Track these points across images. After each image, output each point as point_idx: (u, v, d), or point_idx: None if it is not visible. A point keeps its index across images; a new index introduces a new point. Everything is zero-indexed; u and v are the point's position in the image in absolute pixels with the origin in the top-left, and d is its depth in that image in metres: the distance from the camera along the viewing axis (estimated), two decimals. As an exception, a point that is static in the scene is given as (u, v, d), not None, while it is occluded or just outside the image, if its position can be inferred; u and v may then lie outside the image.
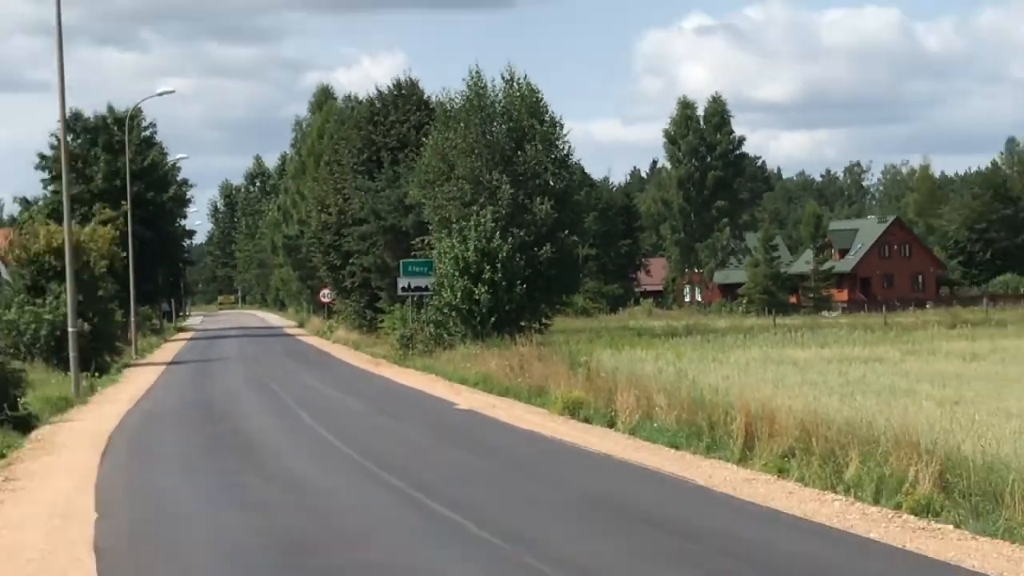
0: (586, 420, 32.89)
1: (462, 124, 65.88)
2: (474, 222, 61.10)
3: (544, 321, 65.22)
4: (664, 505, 20.86)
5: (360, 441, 30.44)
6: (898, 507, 19.55)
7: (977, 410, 27.16)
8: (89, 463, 28.04)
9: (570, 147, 68.67)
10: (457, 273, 60.32)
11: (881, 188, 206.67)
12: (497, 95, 66.66)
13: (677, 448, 27.02)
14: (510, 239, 60.79)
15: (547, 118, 66.89)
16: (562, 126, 67.87)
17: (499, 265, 59.81)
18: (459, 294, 60.06)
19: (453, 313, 60.62)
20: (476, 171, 64.07)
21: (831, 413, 25.70)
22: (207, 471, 26.44)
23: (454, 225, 62.51)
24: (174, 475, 26.11)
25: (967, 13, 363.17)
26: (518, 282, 60.44)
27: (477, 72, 66.85)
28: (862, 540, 17.62)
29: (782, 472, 23.17)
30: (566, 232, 64.92)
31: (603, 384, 35.61)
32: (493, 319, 59.10)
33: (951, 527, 18.22)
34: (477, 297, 59.51)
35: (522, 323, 60.19)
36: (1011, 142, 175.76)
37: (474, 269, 59.93)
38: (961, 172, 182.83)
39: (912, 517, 18.94)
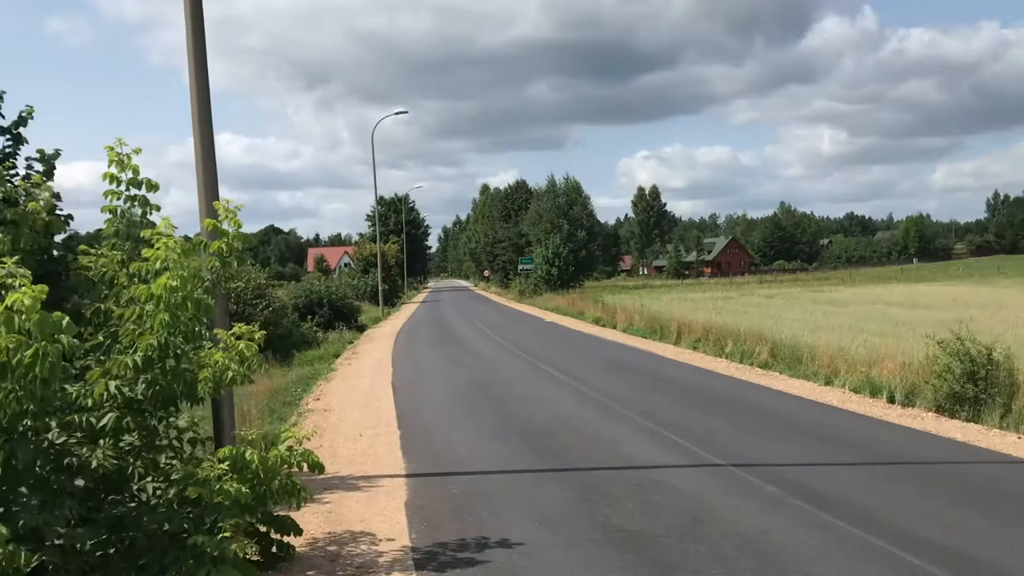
0: (603, 326, 31.60)
1: (544, 198, 65.41)
2: (551, 241, 60.51)
3: (581, 284, 64.08)
4: (643, 363, 19.65)
5: (502, 333, 29.53)
6: (752, 364, 18.37)
7: (779, 318, 26.12)
8: (388, 346, 27.39)
9: (592, 207, 67.39)
10: (544, 263, 59.89)
11: (725, 225, 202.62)
12: (560, 185, 65.73)
13: (646, 338, 25.79)
14: (566, 248, 60.00)
15: (583, 195, 65.79)
16: (589, 198, 66.75)
17: (562, 260, 59.32)
18: (544, 272, 59.67)
19: (542, 281, 59.96)
20: (551, 219, 63.11)
21: (714, 321, 24.71)
22: (439, 348, 25.52)
23: (542, 242, 61.71)
24: (425, 350, 25.30)
25: (760, 148, 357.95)
26: (570, 267, 59.81)
27: (552, 176, 66.95)
28: (736, 379, 16.46)
29: (695, 349, 21.92)
30: (590, 245, 63.87)
31: (609, 309, 34.68)
32: (559, 282, 58.37)
33: (777, 374, 17.05)
34: (553, 273, 59.05)
35: (571, 284, 59.19)
36: (782, 204, 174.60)
37: (551, 261, 59.50)
38: (759, 217, 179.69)
39: (759, 369, 17.81)
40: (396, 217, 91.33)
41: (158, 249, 5.08)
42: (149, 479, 4.91)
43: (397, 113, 52.25)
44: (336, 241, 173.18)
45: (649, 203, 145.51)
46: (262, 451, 5.19)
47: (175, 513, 4.72)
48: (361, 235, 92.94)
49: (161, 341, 4.87)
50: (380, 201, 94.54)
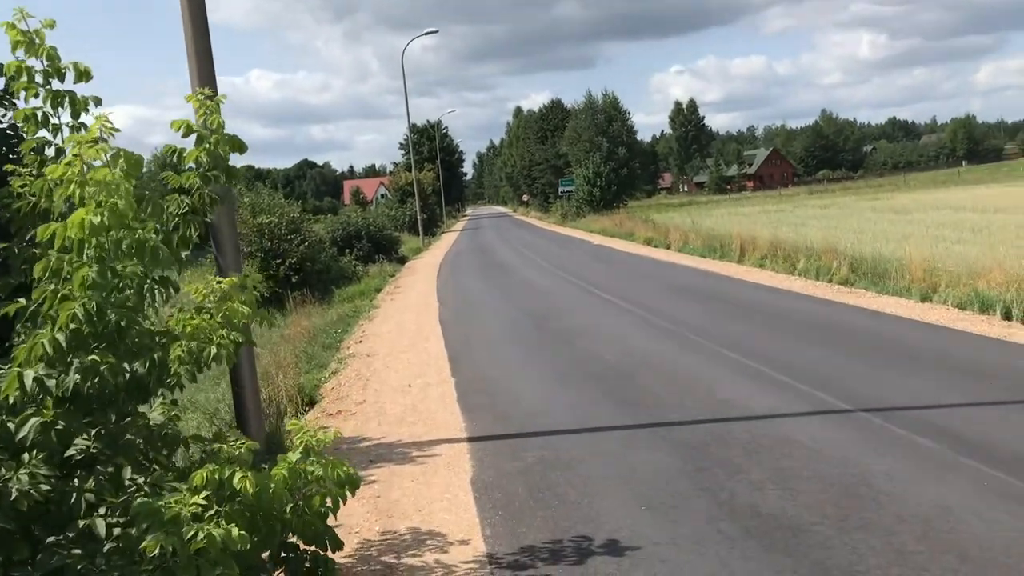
0: (655, 246, 29.49)
1: (583, 115, 61.90)
2: (591, 160, 57.57)
3: (624, 203, 61.25)
4: (710, 285, 17.68)
5: (552, 260, 27.62)
6: (830, 281, 16.47)
7: (845, 232, 23.95)
8: (431, 277, 25.75)
9: (632, 122, 63.55)
10: (585, 184, 57.29)
11: (764, 136, 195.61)
12: (598, 101, 62.23)
13: (704, 257, 23.69)
14: (607, 167, 57.09)
15: (621, 111, 62.06)
16: (629, 113, 63.00)
17: (603, 179, 56.62)
18: (586, 193, 57.11)
19: (584, 202, 57.26)
20: (590, 136, 59.88)
21: (777, 235, 22.64)
22: (486, 278, 23.74)
23: (582, 162, 58.91)
24: (470, 281, 23.56)
25: (796, 56, 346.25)
26: (612, 186, 56.98)
27: (589, 92, 63.54)
28: (819, 299, 14.57)
29: (762, 267, 19.92)
30: (632, 163, 60.52)
31: (660, 229, 32.47)
32: (602, 203, 55.65)
33: (862, 290, 15.18)
34: (595, 194, 56.40)
35: (615, 204, 56.32)
36: (823, 112, 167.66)
37: (593, 181, 56.78)
38: (799, 127, 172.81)
39: (840, 286, 15.92)
40: (430, 144, 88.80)
41: (71, 163, 3.27)
42: (102, 511, 3.23)
43: (427, 33, 48.84)
44: (371, 172, 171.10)
45: (687, 117, 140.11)
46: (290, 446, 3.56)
47: (134, 569, 3.04)
48: (396, 165, 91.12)
49: (91, 308, 3.16)
50: (413, 128, 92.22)
